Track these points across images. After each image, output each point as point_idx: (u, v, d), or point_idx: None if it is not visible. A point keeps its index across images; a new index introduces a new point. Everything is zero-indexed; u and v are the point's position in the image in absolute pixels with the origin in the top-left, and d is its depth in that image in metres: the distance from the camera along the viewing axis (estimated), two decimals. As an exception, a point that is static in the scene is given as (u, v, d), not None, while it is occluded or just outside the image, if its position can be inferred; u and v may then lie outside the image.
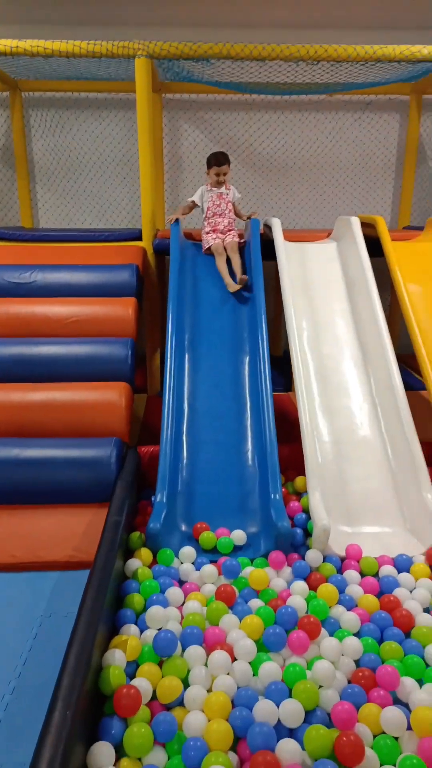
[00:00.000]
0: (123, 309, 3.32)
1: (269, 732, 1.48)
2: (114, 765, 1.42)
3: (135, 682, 1.62)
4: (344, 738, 1.44)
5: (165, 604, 1.99)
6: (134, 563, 2.19)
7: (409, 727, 1.53)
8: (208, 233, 3.74)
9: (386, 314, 4.95)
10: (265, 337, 3.09)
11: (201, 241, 3.81)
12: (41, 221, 5.03)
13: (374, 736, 1.52)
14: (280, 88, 4.33)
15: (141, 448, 2.92)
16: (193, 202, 3.84)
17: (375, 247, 3.41)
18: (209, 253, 3.73)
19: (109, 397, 2.88)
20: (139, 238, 3.94)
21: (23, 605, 2.17)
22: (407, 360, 4.18)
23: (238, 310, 3.40)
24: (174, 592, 2.05)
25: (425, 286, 3.18)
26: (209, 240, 3.71)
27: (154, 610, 1.89)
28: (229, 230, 3.74)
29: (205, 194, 3.80)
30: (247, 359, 3.15)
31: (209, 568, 2.18)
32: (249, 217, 3.87)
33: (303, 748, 1.47)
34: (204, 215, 3.81)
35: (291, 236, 3.73)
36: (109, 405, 2.85)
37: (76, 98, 4.75)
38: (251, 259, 3.53)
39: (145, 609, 1.97)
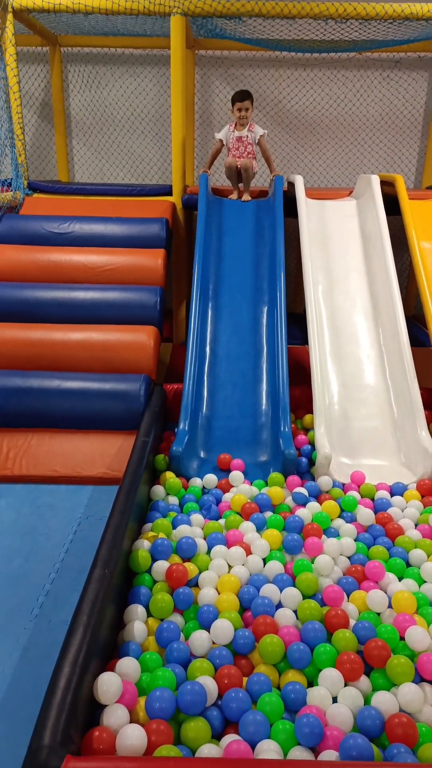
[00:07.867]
0: (153, 259, 3.58)
1: (270, 603, 1.81)
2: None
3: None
4: (332, 612, 1.76)
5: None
6: (161, 482, 2.55)
7: (390, 606, 1.84)
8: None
9: (407, 273, 5.15)
10: (282, 288, 3.33)
11: (227, 197, 4.02)
12: (77, 175, 5.25)
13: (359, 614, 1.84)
14: (309, 46, 4.42)
15: (166, 385, 3.22)
16: (220, 140, 4.02)
17: (396, 206, 3.57)
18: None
19: (139, 338, 3.18)
20: (169, 193, 4.16)
21: (64, 510, 2.53)
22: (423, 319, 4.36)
23: (259, 263, 3.62)
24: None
25: (439, 244, 3.35)
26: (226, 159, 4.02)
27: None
28: (245, 156, 3.99)
29: (228, 134, 4.00)
30: (265, 309, 3.40)
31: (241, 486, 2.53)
32: (272, 178, 4.02)
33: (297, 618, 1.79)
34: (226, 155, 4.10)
35: (314, 194, 3.91)
36: (139, 345, 3.15)
37: (112, 54, 4.89)
38: (274, 215, 3.72)
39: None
